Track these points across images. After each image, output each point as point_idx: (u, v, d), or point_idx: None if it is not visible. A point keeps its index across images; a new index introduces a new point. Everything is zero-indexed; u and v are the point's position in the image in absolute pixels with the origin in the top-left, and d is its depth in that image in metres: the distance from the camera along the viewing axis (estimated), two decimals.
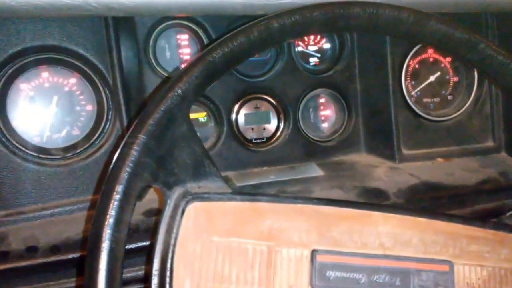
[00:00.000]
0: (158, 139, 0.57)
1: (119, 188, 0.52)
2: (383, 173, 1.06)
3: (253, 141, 1.10)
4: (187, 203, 0.61)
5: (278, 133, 1.12)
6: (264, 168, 1.09)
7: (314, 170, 1.06)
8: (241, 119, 1.09)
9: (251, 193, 0.66)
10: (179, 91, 0.57)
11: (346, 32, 1.14)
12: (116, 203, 0.52)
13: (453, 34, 0.65)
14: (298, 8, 0.61)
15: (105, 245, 0.50)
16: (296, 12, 0.61)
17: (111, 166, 0.54)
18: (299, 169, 1.08)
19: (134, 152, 0.54)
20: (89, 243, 0.51)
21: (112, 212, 0.52)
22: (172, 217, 0.61)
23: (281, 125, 1.12)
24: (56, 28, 0.88)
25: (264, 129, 1.11)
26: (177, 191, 0.61)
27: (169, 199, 0.60)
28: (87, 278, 0.50)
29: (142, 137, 0.55)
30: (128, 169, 0.53)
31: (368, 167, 1.10)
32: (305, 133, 1.14)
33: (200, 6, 0.83)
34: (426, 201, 0.97)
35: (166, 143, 0.59)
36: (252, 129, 1.10)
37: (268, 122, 1.11)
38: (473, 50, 0.66)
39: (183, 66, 1.07)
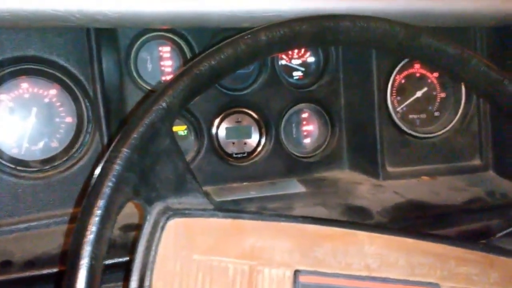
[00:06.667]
0: (141, 153, 0.59)
1: (101, 203, 0.54)
2: (366, 191, 1.12)
3: (234, 155, 1.18)
4: (168, 219, 0.64)
5: (260, 148, 1.20)
6: (245, 183, 1.16)
7: (296, 187, 1.14)
8: (222, 133, 1.17)
9: (234, 209, 0.70)
10: (164, 104, 0.59)
11: (335, 46, 1.22)
12: (97, 218, 0.54)
13: (444, 50, 0.68)
14: (286, 20, 0.64)
15: (84, 262, 0.52)
16: (284, 25, 0.63)
17: (93, 180, 0.56)
18: (281, 185, 1.15)
19: (117, 167, 0.56)
20: (68, 259, 0.53)
21: (93, 228, 0.53)
22: (152, 233, 0.63)
23: (263, 140, 1.20)
24: (36, 38, 0.95)
25: (245, 143, 1.19)
26: (157, 207, 0.64)
27: (149, 214, 0.63)
28: None
29: (125, 151, 0.57)
30: (110, 184, 0.55)
31: (351, 184, 1.17)
32: (287, 148, 1.22)
33: (185, 19, 0.89)
34: (411, 221, 1.03)
35: (149, 157, 0.61)
36: (233, 143, 1.18)
37: (249, 136, 1.19)
38: (465, 67, 0.69)
39: (164, 78, 1.14)
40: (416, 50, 0.69)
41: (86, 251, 0.53)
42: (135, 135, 0.58)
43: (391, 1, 0.96)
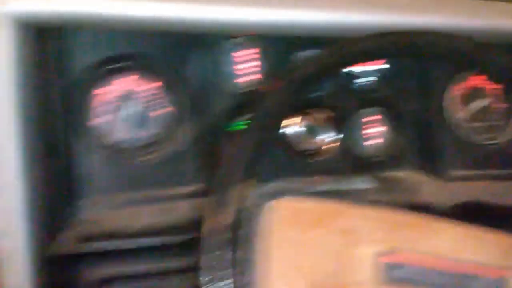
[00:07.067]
0: (252, 145, 0.69)
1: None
2: (430, 191, 1.18)
3: (304, 152, 1.24)
4: (267, 201, 0.74)
5: (329, 146, 1.25)
6: (315, 177, 1.22)
7: (364, 183, 1.20)
8: (293, 130, 1.23)
9: (323, 195, 0.79)
10: (271, 106, 0.70)
11: (414, 57, 1.24)
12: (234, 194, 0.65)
13: (506, 65, 0.74)
14: (380, 32, 0.72)
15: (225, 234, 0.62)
16: (375, 36, 0.72)
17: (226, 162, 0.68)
18: (349, 182, 1.21)
19: (240, 153, 0.67)
20: (213, 230, 0.63)
21: (232, 204, 0.64)
22: (253, 213, 0.73)
23: (332, 139, 1.25)
24: (139, 38, 1.04)
25: (316, 141, 1.25)
26: (258, 190, 0.74)
27: (251, 196, 0.71)
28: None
29: (242, 142, 0.68)
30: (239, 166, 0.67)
31: (416, 184, 1.22)
32: (354, 147, 1.27)
33: (274, 27, 0.97)
34: (474, 220, 1.09)
35: (256, 148, 0.70)
36: (303, 140, 1.23)
37: (319, 134, 1.25)
38: None
39: (242, 80, 1.19)
40: (481, 64, 0.76)
41: (228, 224, 0.63)
42: (250, 132, 0.69)
43: (459, 20, 1.04)
